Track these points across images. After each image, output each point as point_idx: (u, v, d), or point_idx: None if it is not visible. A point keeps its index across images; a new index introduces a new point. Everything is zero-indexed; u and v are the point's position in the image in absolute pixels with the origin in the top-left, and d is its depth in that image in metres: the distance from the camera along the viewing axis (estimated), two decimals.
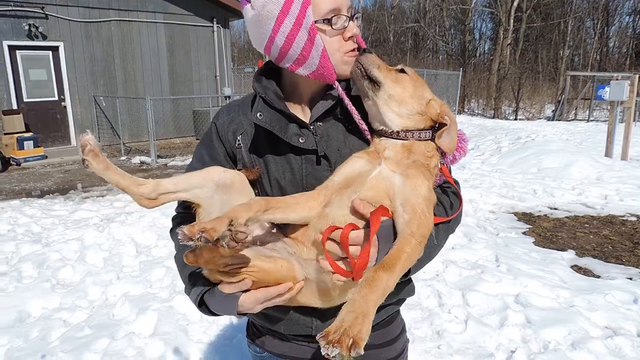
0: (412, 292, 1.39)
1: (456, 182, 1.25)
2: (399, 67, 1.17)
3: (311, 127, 1.21)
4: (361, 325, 0.80)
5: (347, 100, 1.18)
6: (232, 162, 1.28)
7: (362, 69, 1.12)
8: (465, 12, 32.99)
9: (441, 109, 1.15)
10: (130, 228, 5.37)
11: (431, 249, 1.11)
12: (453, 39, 38.22)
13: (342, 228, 1.01)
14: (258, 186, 1.27)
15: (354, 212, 1.05)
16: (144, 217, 5.74)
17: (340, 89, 1.18)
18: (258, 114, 1.19)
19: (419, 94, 1.15)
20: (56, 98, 12.25)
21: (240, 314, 1.12)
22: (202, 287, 1.13)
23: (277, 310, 1.26)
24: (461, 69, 23.03)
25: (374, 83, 1.12)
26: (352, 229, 1.01)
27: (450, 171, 1.26)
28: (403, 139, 1.12)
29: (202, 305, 1.15)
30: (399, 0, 39.73)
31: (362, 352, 0.76)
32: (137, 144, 13.11)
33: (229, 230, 0.91)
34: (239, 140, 1.25)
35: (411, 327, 3.34)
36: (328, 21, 1.11)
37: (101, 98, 12.71)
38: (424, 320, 3.48)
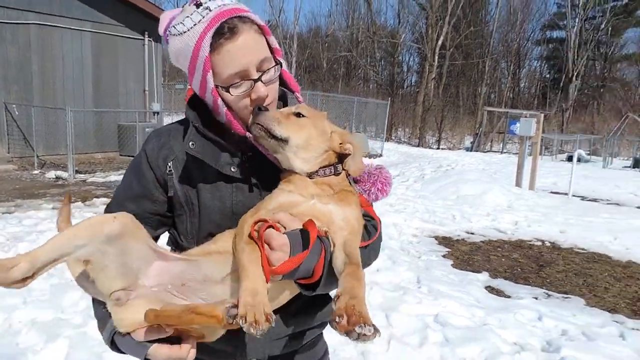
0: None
1: (375, 219, 1.29)
2: (295, 110, 1.15)
3: (243, 156, 1.22)
4: (366, 311, 0.87)
5: (261, 148, 1.19)
6: (162, 188, 1.24)
7: (264, 130, 1.09)
8: (395, 45, 34.89)
9: (342, 139, 1.18)
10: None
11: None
12: (383, 69, 40.15)
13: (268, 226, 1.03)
14: (187, 211, 1.23)
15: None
16: None
17: (257, 144, 1.18)
18: (190, 143, 1.18)
19: (321, 132, 1.16)
20: None
21: None
22: (112, 326, 1.08)
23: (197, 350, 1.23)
24: (390, 98, 24.16)
25: (280, 140, 1.10)
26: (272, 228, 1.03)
27: (371, 204, 1.30)
28: (320, 176, 1.15)
29: (113, 344, 1.11)
30: (333, 29, 41.13)
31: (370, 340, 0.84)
32: (53, 157, 12.20)
33: None
34: (169, 167, 1.22)
35: (336, 349, 3.38)
36: (226, 89, 1.13)
37: (13, 106, 11.74)
38: (348, 343, 3.50)
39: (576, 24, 33.54)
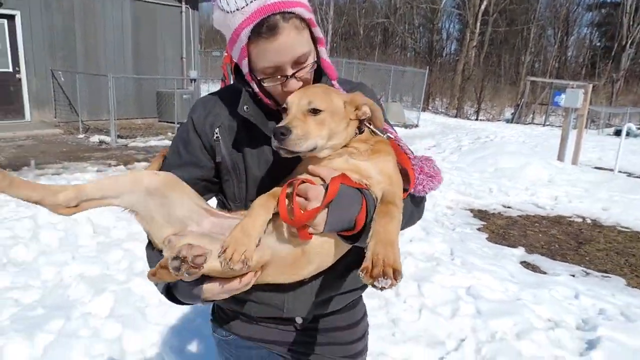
0: None
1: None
2: (308, 106, 1.10)
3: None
4: (393, 254, 0.91)
5: None
6: (209, 154, 1.27)
7: (291, 152, 1.07)
8: (435, 11, 33.57)
9: (355, 106, 1.16)
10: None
11: (407, 214, 1.16)
12: (421, 37, 38.86)
13: (301, 181, 1.06)
14: (234, 177, 1.27)
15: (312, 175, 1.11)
16: None
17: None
18: (245, 107, 1.20)
19: (338, 116, 1.13)
20: (10, 70, 11.61)
21: (207, 301, 1.15)
22: None
23: (247, 293, 1.29)
24: (428, 67, 23.46)
25: (309, 150, 1.10)
26: (306, 182, 1.06)
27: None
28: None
29: (169, 293, 1.18)
30: None
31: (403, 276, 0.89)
32: (96, 122, 12.64)
33: (184, 261, 0.95)
34: (216, 133, 1.25)
35: (368, 315, 3.44)
36: (258, 80, 1.15)
37: (60, 72, 12.13)
38: (380, 309, 3.60)
39: None
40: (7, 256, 4.08)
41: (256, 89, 1.18)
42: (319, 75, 1.25)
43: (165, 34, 14.13)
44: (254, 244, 1.01)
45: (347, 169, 1.10)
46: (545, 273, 4.69)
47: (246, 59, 1.11)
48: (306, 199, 1.03)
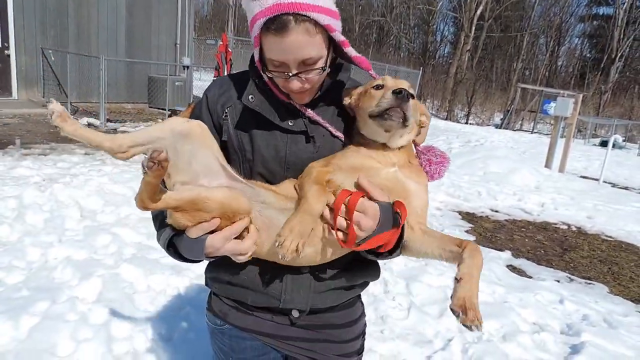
0: (377, 275, 1.43)
1: None
2: (410, 91, 1.13)
3: (300, 113, 1.26)
4: (474, 298, 1.02)
5: (309, 114, 1.25)
6: (218, 132, 1.30)
7: (403, 117, 1.10)
8: (431, 13, 33.68)
9: (420, 111, 1.22)
10: (75, 191, 5.12)
11: None
12: (416, 37, 38.98)
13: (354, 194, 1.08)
14: (240, 157, 1.28)
15: (359, 188, 1.12)
16: (90, 180, 5.50)
17: (298, 106, 1.24)
18: (250, 97, 1.23)
19: (416, 109, 1.18)
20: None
21: (209, 257, 1.18)
22: (170, 232, 1.18)
23: (248, 280, 1.29)
24: (421, 68, 23.55)
25: (405, 125, 1.12)
26: (362, 197, 1.08)
27: None
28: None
29: (170, 249, 1.20)
30: None
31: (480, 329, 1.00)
32: (85, 104, 12.40)
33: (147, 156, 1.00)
34: (226, 112, 1.28)
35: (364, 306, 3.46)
36: (266, 69, 1.17)
37: (50, 51, 11.86)
38: (369, 305, 3.61)
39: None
40: None
41: (266, 78, 1.19)
42: (337, 70, 1.28)
43: (160, 19, 13.91)
44: (308, 233, 1.05)
45: (390, 184, 1.13)
46: (530, 277, 4.75)
47: (258, 47, 1.14)
48: (364, 213, 1.08)
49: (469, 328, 0.96)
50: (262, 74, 1.19)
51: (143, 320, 2.95)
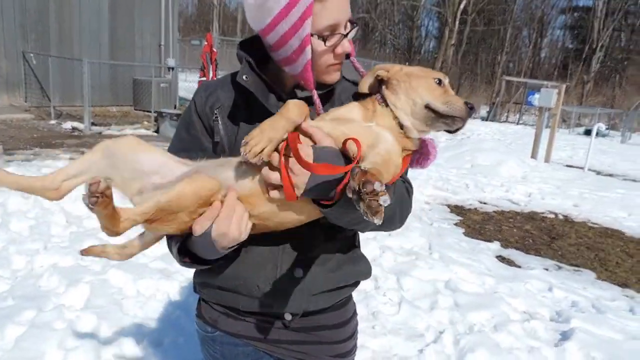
0: (368, 274, 1.41)
1: (410, 183, 1.31)
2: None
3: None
4: (377, 178, 0.86)
5: (319, 109, 1.19)
6: (210, 136, 1.28)
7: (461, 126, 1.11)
8: (415, 9, 33.80)
9: None
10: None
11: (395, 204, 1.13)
12: (401, 33, 39.09)
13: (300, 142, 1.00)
14: (232, 155, 1.24)
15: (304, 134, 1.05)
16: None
17: (316, 96, 1.19)
18: (244, 76, 1.20)
19: None
20: None
21: (227, 248, 1.11)
22: (177, 240, 1.16)
23: (239, 286, 1.26)
24: (406, 63, 23.65)
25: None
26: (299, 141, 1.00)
27: (407, 171, 1.28)
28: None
29: (186, 258, 1.17)
30: None
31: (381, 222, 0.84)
32: (69, 108, 12.22)
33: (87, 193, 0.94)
34: (216, 114, 1.26)
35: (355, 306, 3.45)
36: (322, 38, 1.13)
37: (32, 55, 11.67)
38: (360, 302, 3.61)
39: None
40: None
41: (309, 57, 1.13)
42: None
43: (144, 20, 13.75)
44: (274, 146, 0.98)
45: (356, 135, 1.03)
46: (519, 267, 4.80)
47: (311, 17, 1.09)
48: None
49: (365, 187, 0.83)
50: (308, 52, 1.12)
51: (132, 326, 2.91)
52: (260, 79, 1.22)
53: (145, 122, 11.95)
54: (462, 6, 29.05)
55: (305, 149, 0.99)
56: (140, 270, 3.61)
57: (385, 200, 0.82)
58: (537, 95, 13.26)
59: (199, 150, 1.26)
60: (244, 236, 1.09)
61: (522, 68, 36.31)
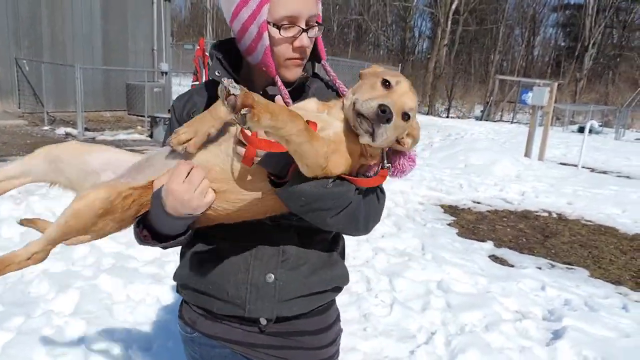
0: (346, 279, 1.40)
1: (382, 191, 1.26)
2: (407, 110, 1.03)
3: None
4: (265, 109, 0.80)
5: (286, 100, 1.18)
6: None
7: (371, 131, 0.99)
8: (407, 10, 33.90)
9: (410, 132, 1.12)
10: (52, 202, 5.02)
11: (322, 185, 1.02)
12: (394, 35, 39.20)
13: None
14: None
15: None
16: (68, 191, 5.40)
17: (280, 83, 1.19)
18: (216, 72, 1.22)
19: (405, 128, 1.08)
20: None
21: (178, 214, 1.07)
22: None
23: (212, 289, 1.27)
24: (400, 64, 23.71)
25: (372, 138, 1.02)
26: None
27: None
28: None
29: (144, 230, 1.16)
30: None
31: (245, 123, 0.78)
32: (62, 114, 12.19)
33: None
34: (192, 116, 1.26)
35: (339, 311, 3.44)
36: (278, 27, 1.14)
37: (24, 61, 11.63)
38: (352, 304, 3.60)
39: None
40: None
41: (267, 42, 1.15)
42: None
43: (136, 25, 13.75)
44: (201, 138, 1.02)
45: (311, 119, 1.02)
46: (513, 266, 4.80)
47: (268, 4, 1.12)
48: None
49: (222, 84, 0.77)
50: (266, 38, 1.14)
51: (122, 331, 2.90)
52: (230, 75, 1.23)
53: (139, 127, 11.93)
54: (454, 6, 29.15)
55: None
56: (130, 274, 3.59)
57: (233, 86, 0.76)
58: (530, 94, 13.30)
59: None
60: (196, 203, 1.05)
61: (516, 67, 36.48)
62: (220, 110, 1.02)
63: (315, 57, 1.30)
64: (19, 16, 11.46)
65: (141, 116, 12.50)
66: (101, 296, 3.29)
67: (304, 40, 1.16)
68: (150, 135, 10.86)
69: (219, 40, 1.31)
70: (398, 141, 1.12)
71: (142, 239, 1.18)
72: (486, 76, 33.37)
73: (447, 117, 25.12)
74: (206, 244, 1.28)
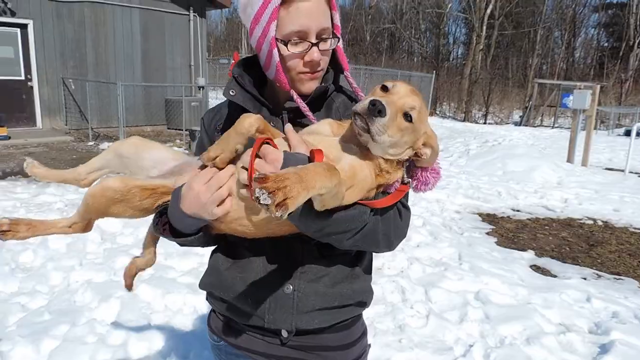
0: (369, 294, 1.36)
1: (406, 207, 1.24)
2: (408, 109, 1.02)
3: (281, 115, 1.26)
4: (299, 192, 0.77)
5: (306, 112, 1.20)
6: None
7: (367, 130, 0.99)
8: (441, 16, 33.54)
9: (426, 141, 1.10)
10: None
11: (355, 218, 1.05)
12: (428, 42, 38.81)
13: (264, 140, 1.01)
14: None
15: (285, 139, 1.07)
16: None
17: (296, 96, 1.20)
18: (230, 91, 1.25)
19: (415, 134, 1.06)
20: (23, 78, 11.77)
21: (192, 213, 1.08)
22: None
23: (234, 298, 1.27)
24: (434, 71, 23.44)
25: (372, 136, 1.01)
26: (267, 144, 1.00)
27: (407, 194, 1.21)
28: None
29: (164, 223, 1.18)
30: (377, 0, 39.96)
31: (285, 217, 0.75)
32: (105, 129, 12.75)
33: None
34: (218, 129, 1.32)
35: (374, 322, 3.41)
36: (285, 43, 1.15)
37: (70, 80, 12.28)
38: (386, 315, 3.56)
39: None
40: (15, 262, 4.11)
41: (277, 59, 1.16)
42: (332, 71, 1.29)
43: (174, 42, 14.24)
44: (228, 155, 1.06)
45: (322, 148, 1.02)
46: (555, 276, 4.61)
47: (275, 20, 1.13)
48: (264, 159, 0.99)
49: (254, 193, 0.73)
50: (276, 55, 1.16)
51: (160, 340, 2.97)
52: (246, 92, 1.25)
53: (178, 141, 12.30)
54: (488, 11, 28.60)
55: (275, 154, 0.99)
56: (168, 284, 3.69)
57: (264, 198, 0.73)
58: (571, 97, 12.84)
59: None
60: (210, 208, 1.05)
61: (556, 70, 35.29)
62: (242, 127, 1.03)
63: (337, 67, 1.30)
64: (66, 39, 12.13)
65: (180, 130, 12.89)
66: (140, 305, 3.40)
67: (314, 55, 1.16)
68: (189, 148, 11.17)
69: (246, 57, 1.34)
70: (416, 154, 1.10)
71: (160, 230, 1.19)
72: (525, 80, 32.45)
73: (485, 123, 24.56)
74: (229, 252, 1.30)
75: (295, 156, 0.99)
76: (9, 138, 10.76)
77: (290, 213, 0.77)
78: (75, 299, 3.49)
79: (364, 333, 1.41)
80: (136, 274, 1.48)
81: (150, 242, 1.46)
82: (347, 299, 1.28)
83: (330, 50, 1.22)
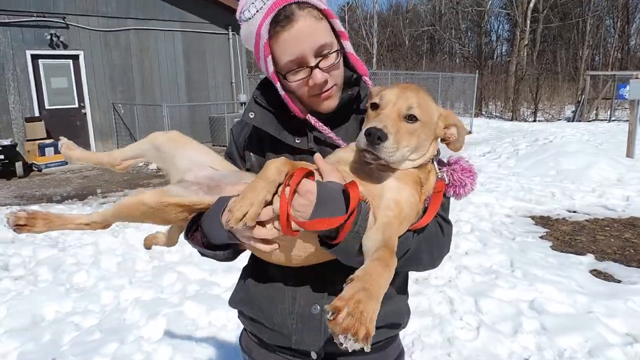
0: (402, 316, 1.32)
1: (447, 221, 1.21)
2: (406, 111, 1.01)
3: (303, 135, 1.24)
4: (373, 311, 0.75)
5: (324, 132, 1.20)
6: (243, 163, 1.35)
7: (377, 159, 0.97)
8: (481, 14, 32.72)
9: (446, 123, 1.08)
10: (144, 234, 5.41)
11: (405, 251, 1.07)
12: (469, 41, 37.93)
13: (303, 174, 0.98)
14: None
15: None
16: None
17: (313, 121, 1.20)
18: (250, 114, 1.24)
19: (429, 129, 1.04)
20: (76, 105, 12.52)
21: (231, 234, 1.07)
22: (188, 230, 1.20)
23: (262, 316, 1.26)
24: (478, 71, 22.78)
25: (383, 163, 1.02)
26: (307, 177, 0.97)
27: (446, 207, 1.20)
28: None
29: (196, 232, 1.18)
30: (414, 4, 39.56)
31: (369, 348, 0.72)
32: None
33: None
34: (247, 143, 1.33)
35: (421, 335, 3.28)
36: (282, 75, 1.14)
37: (119, 105, 12.94)
38: (434, 327, 3.42)
39: None
40: (70, 282, 4.30)
41: (282, 92, 1.16)
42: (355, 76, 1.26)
43: (215, 61, 14.72)
44: (257, 208, 0.95)
45: (358, 178, 1.00)
46: (619, 282, 4.28)
47: (270, 56, 1.12)
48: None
49: (338, 340, 0.70)
50: (279, 87, 1.17)
51: (204, 356, 2.99)
52: (267, 110, 1.24)
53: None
54: (531, 4, 27.55)
55: (308, 185, 0.96)
56: (213, 301, 3.72)
57: (350, 342, 0.70)
58: (627, 88, 12.08)
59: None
60: (241, 225, 0.98)
61: (610, 60, 33.41)
62: (270, 174, 0.97)
63: (356, 72, 1.26)
64: (114, 66, 12.83)
65: (224, 146, 13.20)
66: (186, 322, 3.44)
67: (317, 78, 1.12)
68: None
69: (265, 78, 1.30)
70: (443, 139, 1.08)
71: (189, 235, 1.19)
72: (575, 74, 30.94)
73: (534, 120, 23.54)
74: (258, 269, 1.29)
75: (328, 185, 0.98)
76: (66, 163, 11.41)
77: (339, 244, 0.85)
78: (124, 317, 3.59)
79: (401, 354, 1.37)
80: (153, 244, 1.54)
81: (177, 229, 1.45)
82: (378, 322, 1.21)
83: (339, 62, 1.17)
